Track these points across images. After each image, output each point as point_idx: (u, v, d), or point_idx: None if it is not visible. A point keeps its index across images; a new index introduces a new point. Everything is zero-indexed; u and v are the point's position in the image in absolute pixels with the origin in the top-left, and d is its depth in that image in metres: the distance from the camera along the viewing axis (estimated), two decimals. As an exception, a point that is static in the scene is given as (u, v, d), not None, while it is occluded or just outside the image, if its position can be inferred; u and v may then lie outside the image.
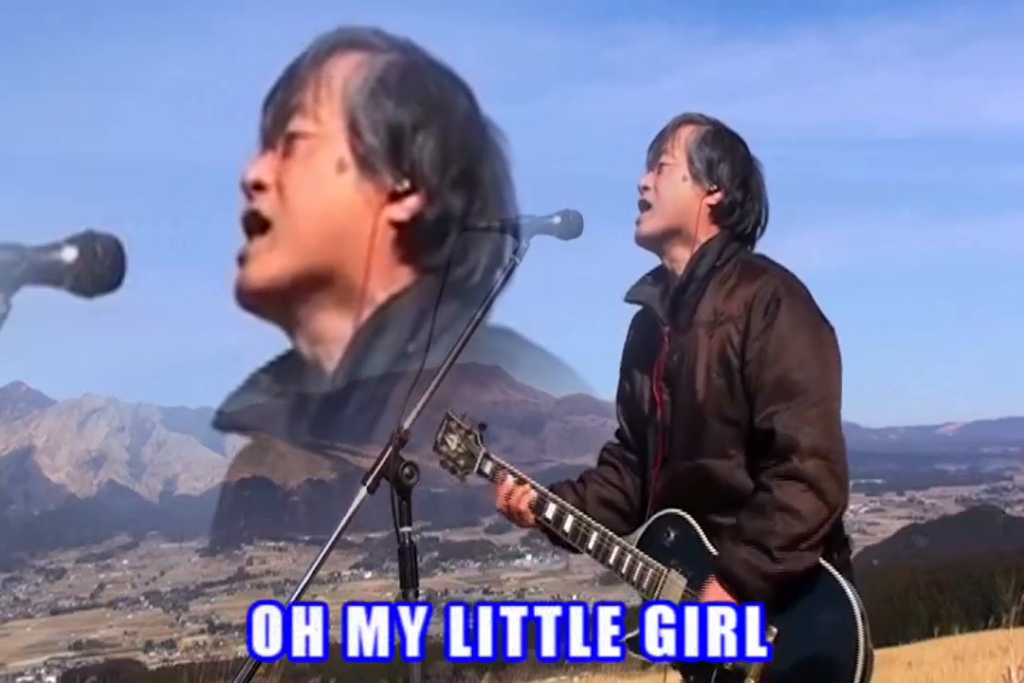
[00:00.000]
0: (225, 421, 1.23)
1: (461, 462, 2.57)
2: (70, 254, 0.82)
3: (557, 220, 1.87)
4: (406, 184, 1.11)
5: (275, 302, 1.12)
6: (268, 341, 1.19)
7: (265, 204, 1.10)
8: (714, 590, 2.40)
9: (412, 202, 1.11)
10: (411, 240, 1.12)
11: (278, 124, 1.12)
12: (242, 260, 1.11)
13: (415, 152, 1.11)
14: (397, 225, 1.11)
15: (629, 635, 2.62)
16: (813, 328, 2.47)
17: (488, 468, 2.58)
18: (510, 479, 2.58)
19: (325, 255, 1.10)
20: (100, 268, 0.83)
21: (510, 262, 1.81)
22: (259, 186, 1.10)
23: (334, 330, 1.12)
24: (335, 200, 1.09)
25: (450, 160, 1.12)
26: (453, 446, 2.56)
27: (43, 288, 0.81)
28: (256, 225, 1.10)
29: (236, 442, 1.27)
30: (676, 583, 2.50)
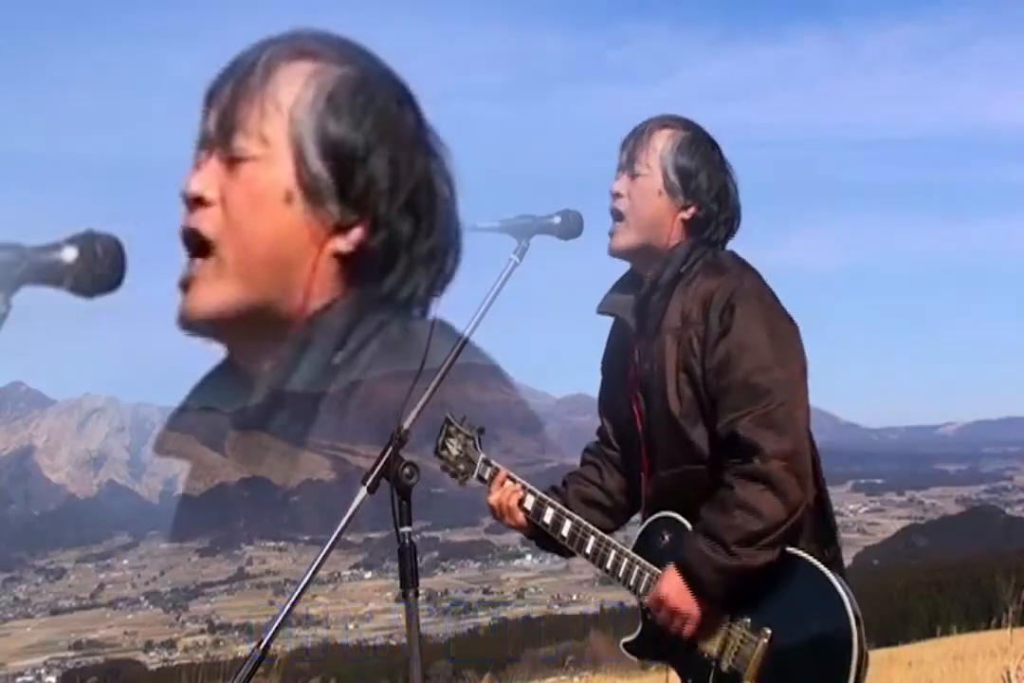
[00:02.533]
0: (160, 448, 1.23)
1: (461, 467, 2.59)
2: (70, 254, 0.82)
3: (557, 220, 1.87)
4: (352, 217, 1.08)
5: (219, 329, 1.10)
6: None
7: (207, 223, 1.06)
8: (670, 575, 2.42)
9: (356, 234, 1.08)
10: (354, 270, 1.10)
11: (222, 134, 1.07)
12: (185, 284, 1.07)
13: (363, 178, 1.07)
14: (340, 256, 1.09)
15: (627, 638, 2.64)
16: (771, 327, 2.44)
17: (487, 473, 2.60)
18: (503, 477, 2.59)
19: (272, 287, 1.07)
20: (100, 268, 0.83)
21: (510, 262, 1.81)
22: (201, 201, 1.07)
23: (270, 349, 1.11)
24: (282, 232, 1.06)
25: (399, 184, 1.09)
26: (453, 451, 2.58)
27: (43, 288, 0.81)
28: (198, 244, 1.07)
29: (235, 443, 1.27)
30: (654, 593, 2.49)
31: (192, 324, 1.09)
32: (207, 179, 1.07)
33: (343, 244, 1.09)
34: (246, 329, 1.10)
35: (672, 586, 2.41)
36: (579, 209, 1.91)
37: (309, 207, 1.07)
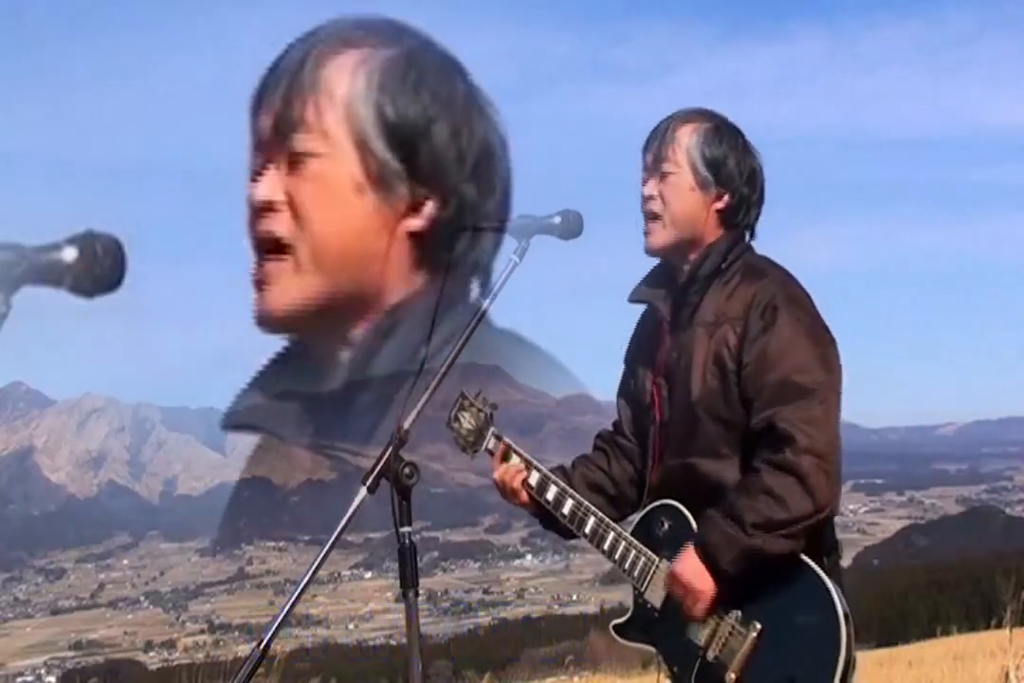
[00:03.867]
0: (232, 421, 1.22)
1: (471, 439, 2.59)
2: (70, 254, 0.81)
3: (557, 220, 1.87)
4: (423, 194, 1.09)
5: (298, 325, 1.11)
6: (269, 340, 1.19)
7: (280, 226, 1.07)
8: (688, 557, 2.42)
9: (429, 209, 1.09)
10: (428, 243, 1.11)
11: (279, 135, 1.08)
12: (260, 283, 1.09)
13: (428, 153, 1.08)
14: (414, 235, 1.10)
15: (618, 621, 2.65)
16: (813, 333, 2.46)
17: (493, 445, 2.60)
18: (503, 449, 2.60)
19: (349, 278, 1.08)
20: (100, 268, 0.82)
21: (510, 262, 1.81)
22: (270, 206, 1.08)
23: (351, 335, 1.12)
24: (357, 224, 1.07)
25: (465, 154, 1.10)
26: (465, 424, 2.58)
27: (43, 288, 0.81)
28: (273, 247, 1.08)
29: (236, 442, 1.27)
30: (666, 573, 2.51)
31: (271, 323, 1.10)
32: (272, 184, 1.08)
33: (417, 223, 1.10)
34: (326, 321, 1.11)
35: (688, 564, 2.41)
36: (579, 209, 1.91)
37: (381, 195, 1.08)
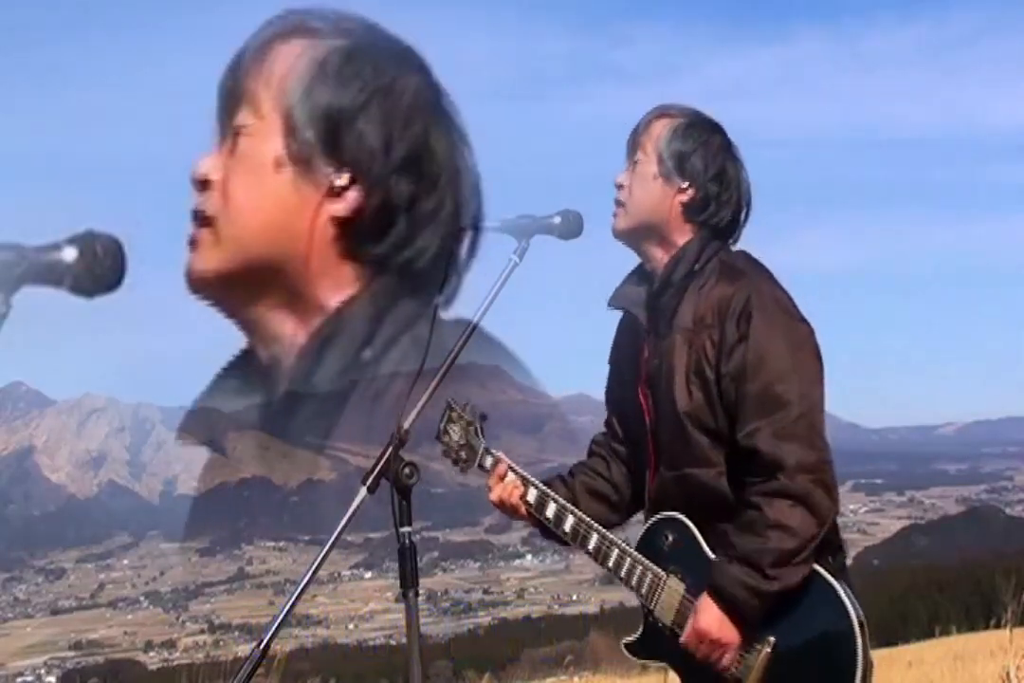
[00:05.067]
0: (185, 434, 1.24)
1: (463, 455, 2.55)
2: (70, 254, 0.81)
3: (557, 220, 1.87)
4: (345, 178, 1.09)
5: (219, 293, 1.13)
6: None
7: (209, 202, 1.10)
8: (707, 607, 2.39)
9: (352, 196, 1.10)
10: (353, 233, 1.11)
11: (226, 116, 1.12)
12: (190, 246, 1.12)
13: (353, 140, 1.09)
14: (338, 221, 1.11)
15: (628, 639, 2.63)
16: (788, 333, 2.44)
17: (488, 463, 2.56)
18: (502, 470, 2.56)
19: (264, 253, 1.10)
20: (100, 268, 0.82)
21: (510, 262, 1.81)
22: (205, 183, 1.11)
23: (282, 331, 1.13)
24: (272, 198, 1.09)
25: (392, 145, 1.10)
26: (455, 437, 2.54)
27: (43, 288, 0.81)
28: (201, 221, 1.11)
29: (237, 442, 1.27)
30: (674, 589, 2.49)
31: (196, 284, 1.12)
32: (212, 161, 1.11)
33: (339, 208, 1.10)
34: (250, 296, 1.12)
35: (712, 618, 2.38)
36: (579, 209, 1.91)
37: (299, 172, 1.09)
